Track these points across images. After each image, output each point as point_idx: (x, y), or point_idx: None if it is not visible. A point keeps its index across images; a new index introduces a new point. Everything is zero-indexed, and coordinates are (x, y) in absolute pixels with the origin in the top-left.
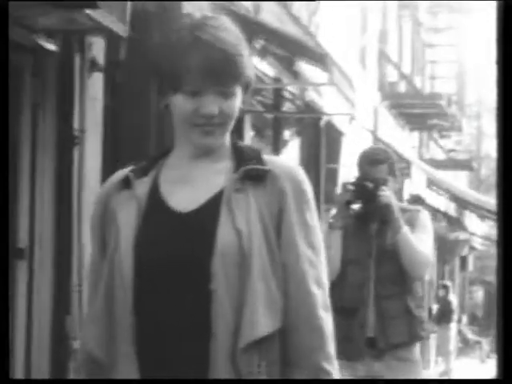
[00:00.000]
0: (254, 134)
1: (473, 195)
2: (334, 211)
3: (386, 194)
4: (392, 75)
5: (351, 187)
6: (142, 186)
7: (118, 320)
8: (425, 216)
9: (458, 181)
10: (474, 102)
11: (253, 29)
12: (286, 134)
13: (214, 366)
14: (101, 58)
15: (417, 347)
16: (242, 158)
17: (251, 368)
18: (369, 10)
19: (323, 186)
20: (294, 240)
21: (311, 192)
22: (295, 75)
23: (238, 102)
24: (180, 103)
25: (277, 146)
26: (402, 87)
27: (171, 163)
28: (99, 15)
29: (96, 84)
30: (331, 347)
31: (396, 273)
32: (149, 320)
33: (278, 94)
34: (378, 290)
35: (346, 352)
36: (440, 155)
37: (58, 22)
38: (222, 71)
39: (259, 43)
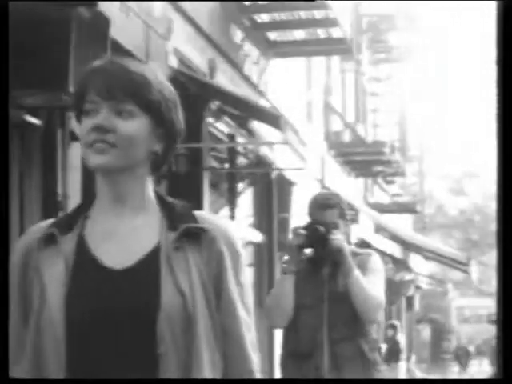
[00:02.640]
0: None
1: (417, 238)
2: (285, 256)
3: (338, 237)
4: (337, 125)
5: (303, 231)
6: (68, 243)
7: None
8: (376, 259)
9: (404, 222)
10: (415, 146)
11: (208, 92)
12: (240, 185)
13: None
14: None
15: None
16: (174, 214)
17: None
18: (313, 64)
19: (276, 235)
20: (233, 304)
21: (243, 251)
22: (249, 132)
23: (138, 126)
24: (81, 127)
25: (231, 198)
26: (347, 136)
27: (95, 217)
28: None
29: (75, 153)
30: None
31: (349, 316)
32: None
33: (232, 150)
34: (332, 333)
35: None
36: (385, 199)
37: (43, 101)
38: (117, 85)
39: (215, 105)
